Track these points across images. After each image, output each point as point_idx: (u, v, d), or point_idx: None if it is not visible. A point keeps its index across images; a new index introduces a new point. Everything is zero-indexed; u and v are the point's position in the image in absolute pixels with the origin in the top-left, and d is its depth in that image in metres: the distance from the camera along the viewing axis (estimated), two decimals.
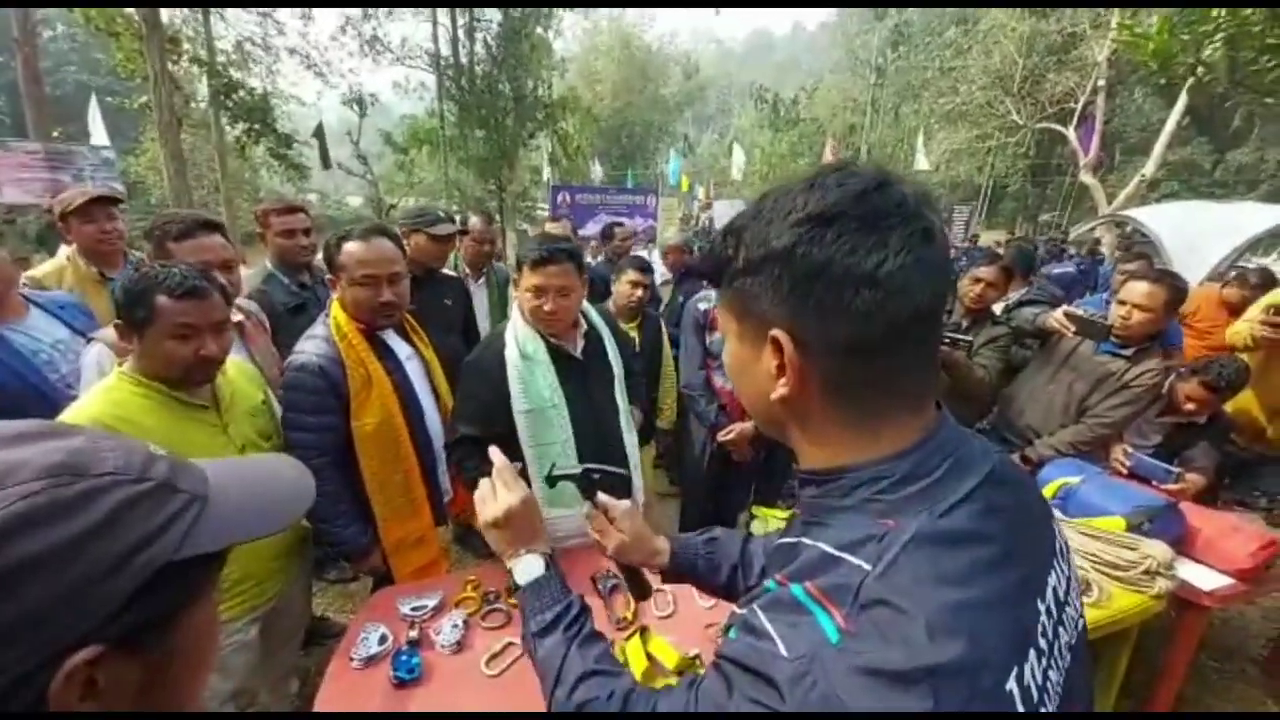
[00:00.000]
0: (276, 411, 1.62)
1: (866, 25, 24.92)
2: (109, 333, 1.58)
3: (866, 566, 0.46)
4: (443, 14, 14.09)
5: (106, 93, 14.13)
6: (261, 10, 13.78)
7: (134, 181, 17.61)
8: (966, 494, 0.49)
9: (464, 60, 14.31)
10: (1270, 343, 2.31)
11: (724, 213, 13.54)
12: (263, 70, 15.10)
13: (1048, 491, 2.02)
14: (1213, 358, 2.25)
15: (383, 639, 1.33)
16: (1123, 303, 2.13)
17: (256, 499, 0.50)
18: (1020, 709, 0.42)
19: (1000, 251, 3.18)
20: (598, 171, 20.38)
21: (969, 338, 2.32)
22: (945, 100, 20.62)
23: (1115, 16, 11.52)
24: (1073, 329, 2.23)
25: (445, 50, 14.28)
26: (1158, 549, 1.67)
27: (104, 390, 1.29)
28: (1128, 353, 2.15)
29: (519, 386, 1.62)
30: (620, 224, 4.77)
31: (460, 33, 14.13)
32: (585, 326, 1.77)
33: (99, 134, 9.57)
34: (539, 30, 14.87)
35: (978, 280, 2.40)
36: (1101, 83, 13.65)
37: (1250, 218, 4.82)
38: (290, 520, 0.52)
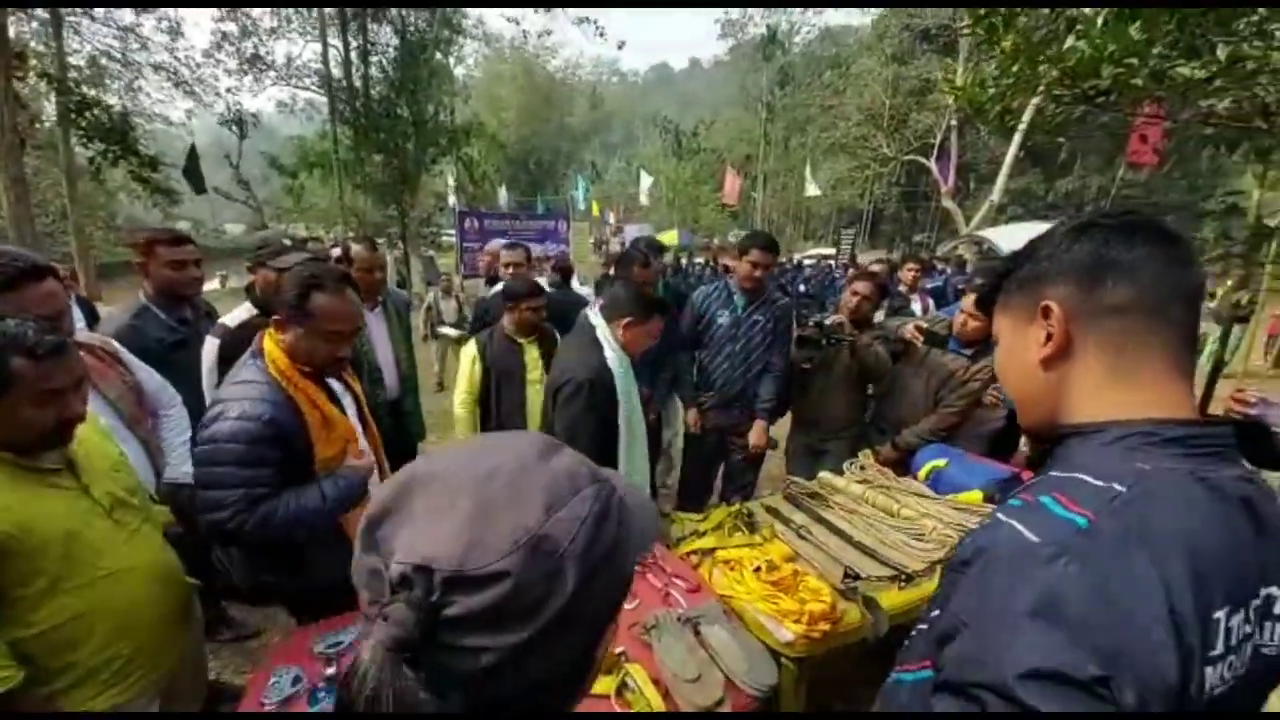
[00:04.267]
0: (135, 468, 1.49)
1: (756, 66, 26.94)
2: None
3: (1120, 488, 0.53)
4: (333, 34, 13.51)
5: None
6: (121, 25, 12.54)
7: None
8: (1225, 478, 0.55)
9: (358, 83, 13.76)
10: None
11: (634, 236, 13.90)
12: (121, 87, 13.71)
13: (921, 475, 2.30)
14: None
15: (296, 680, 1.27)
16: (961, 311, 2.58)
17: (638, 506, 0.49)
18: (1218, 641, 0.48)
19: (875, 269, 3.61)
20: (505, 198, 20.23)
21: (851, 336, 2.63)
22: (826, 134, 22.75)
23: (959, 67, 13.36)
24: (921, 339, 2.66)
25: (337, 73, 13.67)
26: None
27: None
28: (969, 352, 2.59)
29: (624, 394, 1.98)
30: (519, 247, 3.43)
31: (354, 55, 13.61)
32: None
33: None
34: (439, 55, 14.66)
35: (855, 294, 2.72)
36: (954, 122, 15.65)
37: None
38: (656, 532, 0.56)
